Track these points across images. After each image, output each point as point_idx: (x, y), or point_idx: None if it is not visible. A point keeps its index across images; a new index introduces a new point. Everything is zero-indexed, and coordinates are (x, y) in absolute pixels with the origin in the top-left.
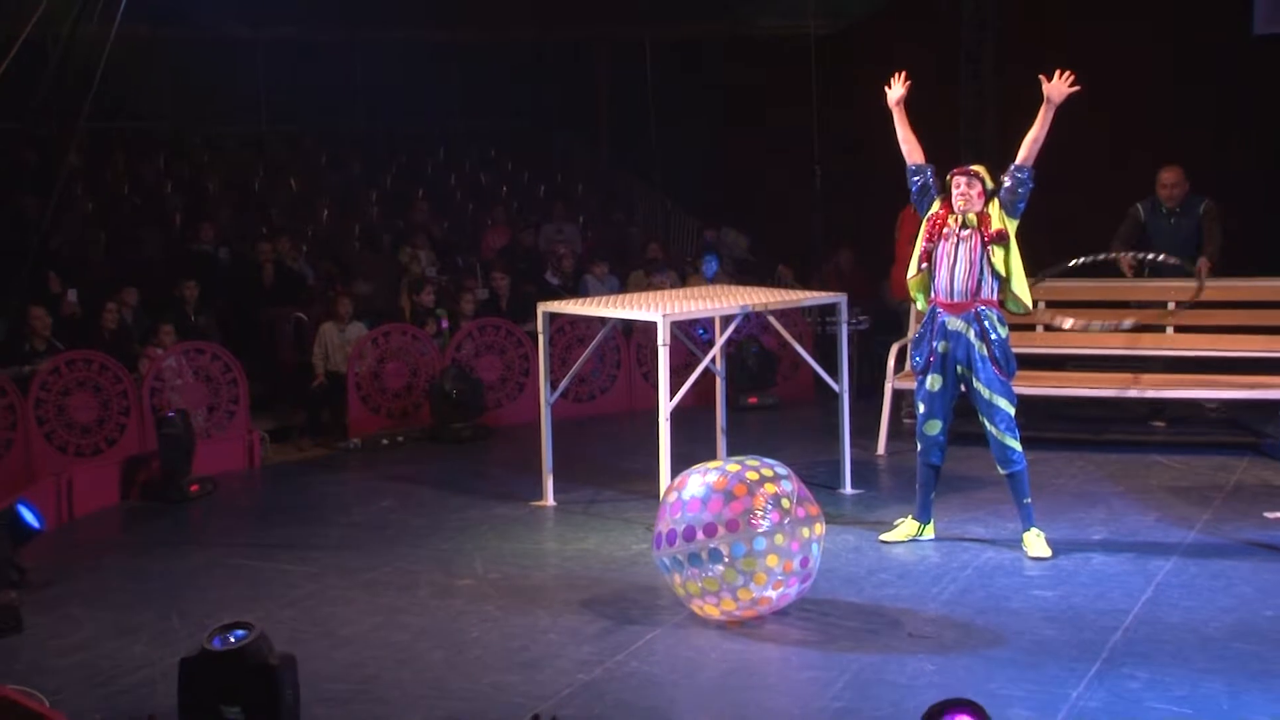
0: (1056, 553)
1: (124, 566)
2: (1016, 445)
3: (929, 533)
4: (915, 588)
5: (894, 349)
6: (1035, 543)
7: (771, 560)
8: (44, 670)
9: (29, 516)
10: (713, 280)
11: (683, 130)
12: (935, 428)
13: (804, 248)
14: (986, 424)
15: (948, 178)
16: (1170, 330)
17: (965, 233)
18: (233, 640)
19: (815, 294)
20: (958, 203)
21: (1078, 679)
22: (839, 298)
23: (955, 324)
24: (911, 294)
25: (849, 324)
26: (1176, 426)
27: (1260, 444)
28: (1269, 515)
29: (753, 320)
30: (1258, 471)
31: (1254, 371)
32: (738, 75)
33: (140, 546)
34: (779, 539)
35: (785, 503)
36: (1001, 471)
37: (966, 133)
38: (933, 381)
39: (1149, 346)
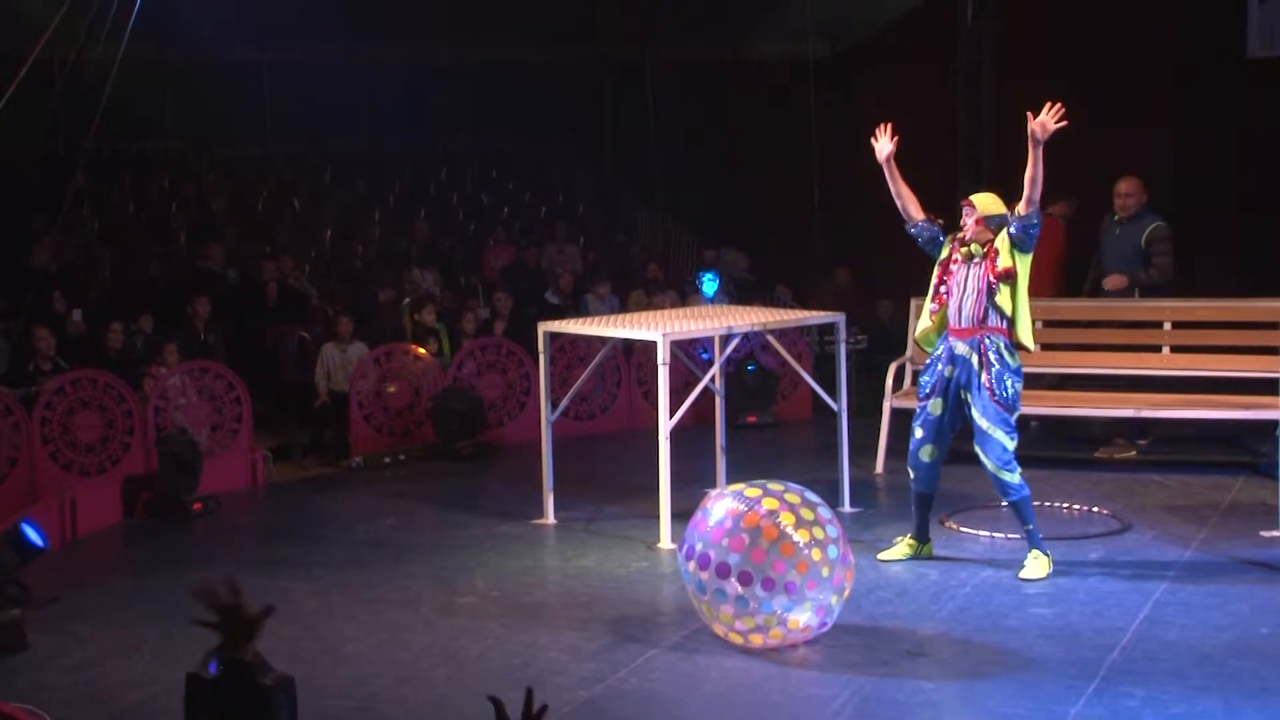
0: (1054, 571)
1: (127, 584)
2: (1014, 478)
3: (928, 551)
4: (914, 606)
5: (892, 368)
6: (1031, 565)
7: (793, 623)
8: (47, 688)
9: (33, 535)
10: (713, 300)
11: (684, 151)
12: (930, 454)
13: (803, 267)
14: (981, 455)
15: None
16: (1166, 350)
17: (974, 262)
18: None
19: (814, 313)
20: (965, 234)
21: (1076, 696)
22: (837, 317)
23: (961, 349)
24: (921, 341)
25: (847, 343)
26: (1171, 446)
27: (1256, 463)
28: (1265, 534)
29: (752, 339)
30: (1253, 490)
31: (1250, 392)
32: (739, 96)
33: (143, 564)
34: (808, 606)
35: (825, 571)
36: (1002, 501)
37: (965, 152)
38: (934, 406)
39: (1146, 366)
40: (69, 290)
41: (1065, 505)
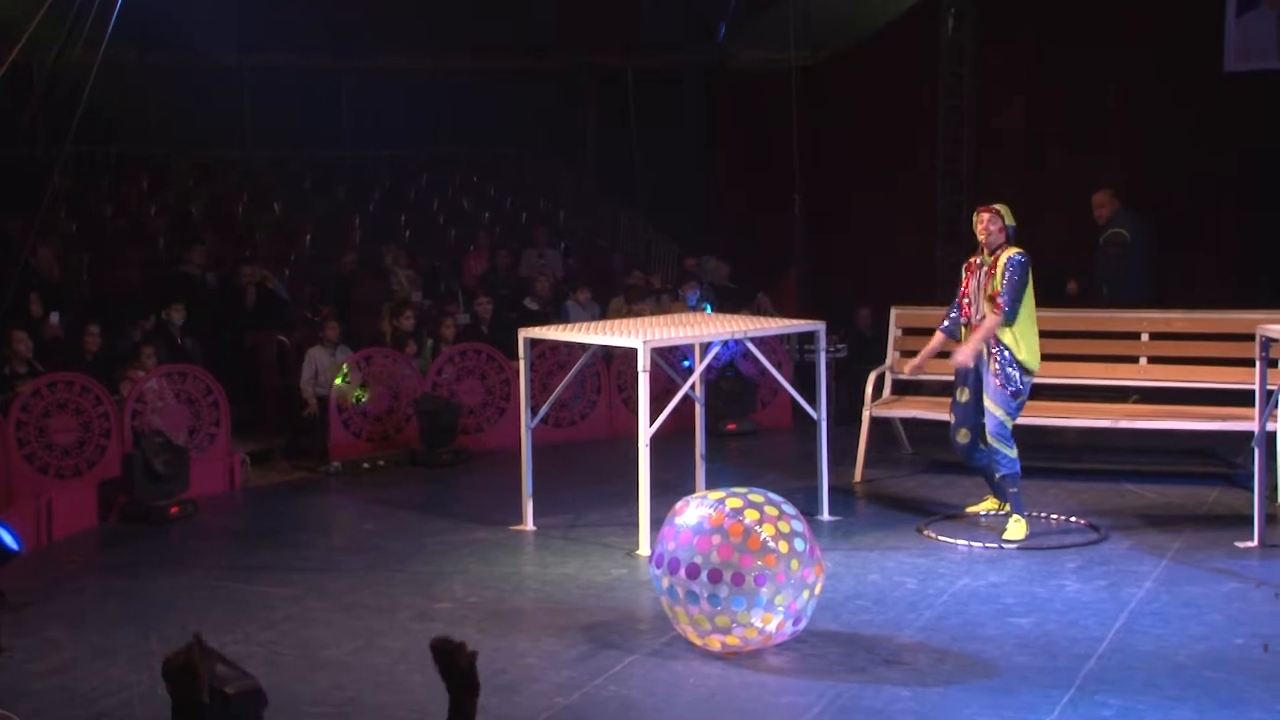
0: (1031, 581)
1: (103, 589)
2: (1007, 451)
3: (1009, 506)
4: (892, 614)
5: (872, 377)
6: (1012, 528)
7: (766, 619)
8: (22, 693)
9: (8, 538)
10: (694, 308)
11: (666, 158)
12: (965, 436)
13: (784, 275)
14: (986, 429)
15: (975, 215)
16: (1144, 361)
17: (983, 269)
18: None
19: (794, 322)
20: (980, 236)
21: (1051, 705)
22: (817, 325)
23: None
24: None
25: (827, 352)
26: (1148, 456)
27: (1231, 474)
28: (1240, 544)
29: (732, 347)
30: (1229, 501)
31: (1225, 403)
32: (721, 104)
33: (119, 568)
34: (779, 600)
35: (794, 564)
36: (995, 473)
37: (944, 165)
38: (961, 394)
39: (1123, 377)
40: (46, 293)
41: (1042, 515)
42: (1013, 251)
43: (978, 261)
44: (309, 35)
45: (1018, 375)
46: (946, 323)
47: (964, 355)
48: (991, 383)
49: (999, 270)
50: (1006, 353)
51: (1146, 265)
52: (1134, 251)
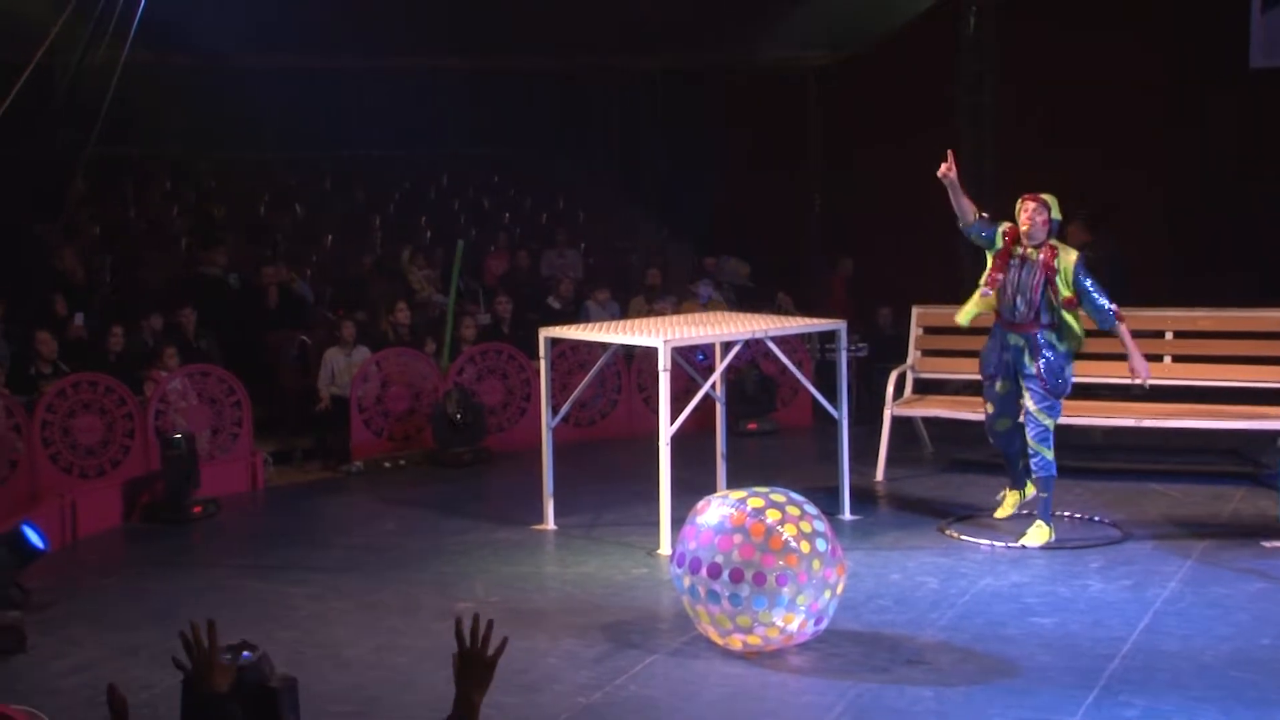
0: (1054, 580)
1: (126, 587)
2: (1046, 454)
3: (1029, 491)
4: (913, 614)
5: (893, 376)
6: (1033, 533)
7: (788, 619)
8: (46, 690)
9: (33, 537)
10: (706, 305)
11: (685, 158)
12: (1005, 425)
13: (804, 274)
14: (1026, 430)
15: (1019, 202)
16: (1168, 360)
17: (1028, 264)
18: (240, 660)
19: (815, 321)
20: (1023, 225)
21: (1075, 706)
22: (838, 324)
23: (1015, 340)
24: (962, 319)
25: (848, 351)
26: (1173, 456)
27: (1257, 474)
28: (1266, 544)
29: (752, 346)
30: (1255, 501)
31: (1252, 402)
32: (740, 104)
33: (143, 567)
34: (801, 600)
35: (816, 564)
36: (1032, 474)
37: (965, 164)
38: (1001, 386)
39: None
40: (70, 294)
41: (1066, 514)
42: (1072, 256)
43: (1018, 253)
44: (329, 36)
45: (1063, 374)
46: (974, 227)
47: (1142, 369)
48: (1034, 384)
49: (1066, 277)
50: (1054, 346)
51: (1117, 279)
52: (1102, 267)
